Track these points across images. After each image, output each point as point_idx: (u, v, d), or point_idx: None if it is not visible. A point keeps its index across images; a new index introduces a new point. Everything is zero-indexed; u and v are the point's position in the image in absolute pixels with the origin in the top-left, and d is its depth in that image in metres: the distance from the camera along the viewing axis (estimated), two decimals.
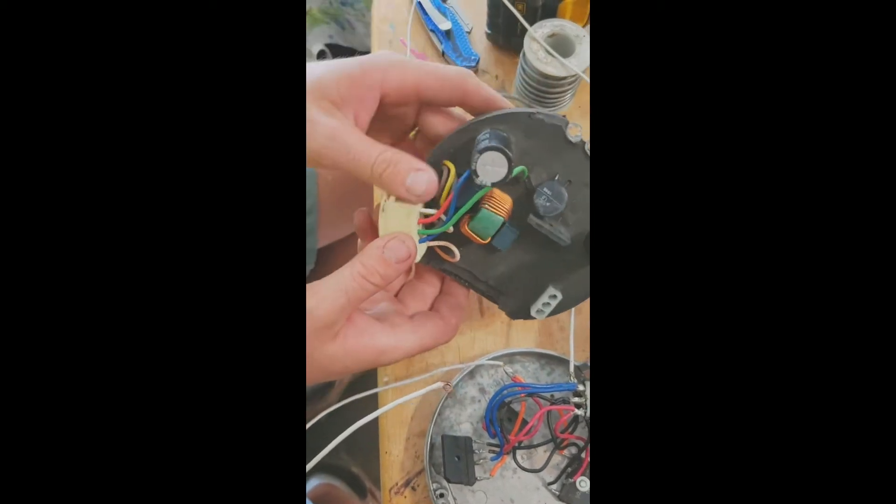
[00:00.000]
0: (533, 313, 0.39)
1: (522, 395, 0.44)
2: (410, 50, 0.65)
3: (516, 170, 0.35)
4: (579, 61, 0.56)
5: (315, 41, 1.14)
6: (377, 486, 0.92)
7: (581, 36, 0.57)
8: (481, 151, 0.34)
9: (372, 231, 0.43)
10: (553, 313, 0.40)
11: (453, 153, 0.36)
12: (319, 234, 0.70)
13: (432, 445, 0.46)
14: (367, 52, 0.45)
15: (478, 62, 0.64)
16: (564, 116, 0.36)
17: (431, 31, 0.66)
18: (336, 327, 0.35)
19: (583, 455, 0.44)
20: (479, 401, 0.48)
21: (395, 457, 0.48)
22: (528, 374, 0.50)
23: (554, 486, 0.45)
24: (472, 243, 0.37)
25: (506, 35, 0.64)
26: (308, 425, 0.38)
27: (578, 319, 0.53)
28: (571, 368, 0.47)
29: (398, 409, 0.47)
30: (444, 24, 0.65)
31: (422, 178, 0.35)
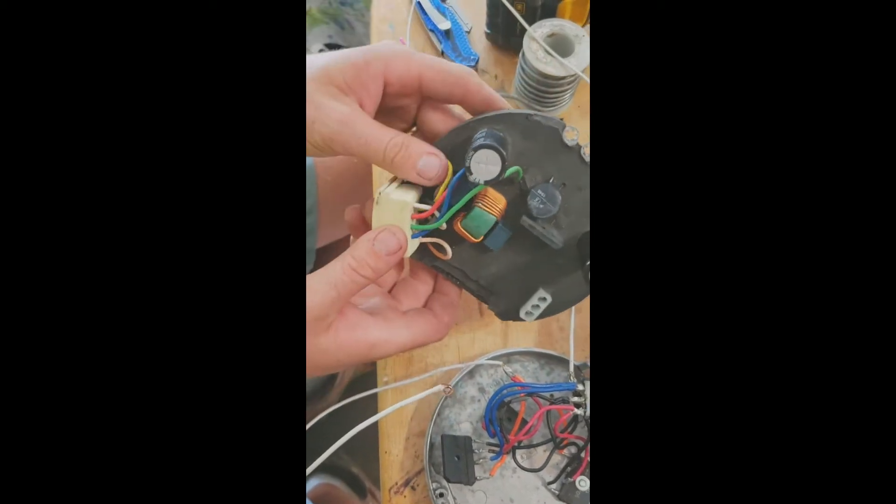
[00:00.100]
0: (522, 315, 0.39)
1: (522, 394, 0.44)
2: None
3: (511, 170, 0.35)
4: (578, 61, 0.56)
5: (314, 41, 1.15)
6: (377, 485, 0.92)
7: (580, 36, 0.57)
8: (475, 149, 0.34)
9: (364, 228, 0.43)
10: (542, 316, 0.40)
11: (450, 151, 0.36)
12: (319, 234, 0.70)
13: (432, 445, 0.46)
14: None
15: (477, 62, 0.64)
16: (562, 119, 0.36)
17: (431, 30, 0.66)
18: (328, 320, 0.35)
19: (582, 454, 0.45)
20: (479, 400, 0.49)
21: (395, 456, 0.48)
22: (527, 373, 0.50)
23: (553, 486, 0.45)
24: (464, 242, 0.37)
25: (505, 35, 0.64)
26: (308, 425, 0.38)
27: (578, 319, 0.53)
28: (571, 368, 0.47)
29: (398, 409, 0.47)
30: (444, 24, 0.65)
31: (433, 161, 0.35)
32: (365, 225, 0.43)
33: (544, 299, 0.38)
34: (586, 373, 0.47)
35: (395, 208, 0.36)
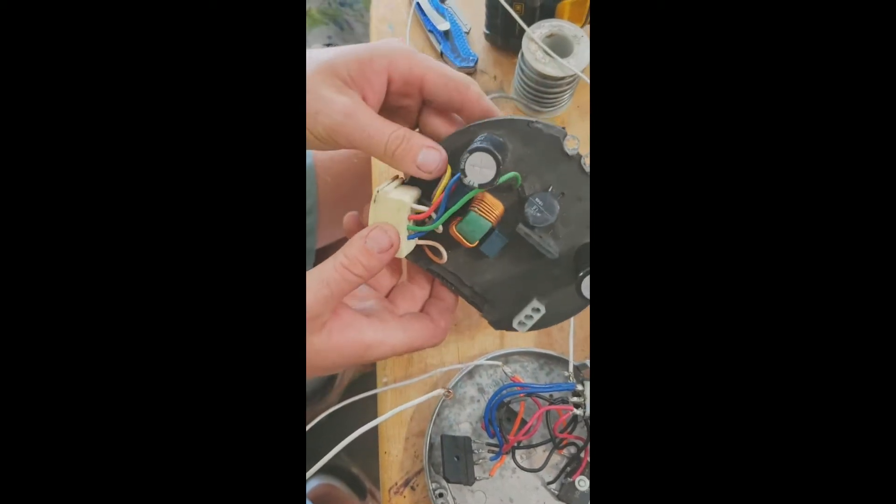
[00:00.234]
0: (515, 325, 0.39)
1: (521, 394, 0.44)
2: None
3: (508, 175, 0.35)
4: (577, 61, 0.56)
5: (314, 42, 1.15)
6: (377, 486, 0.92)
7: (579, 36, 0.57)
8: (471, 151, 0.34)
9: None
10: (535, 327, 0.40)
11: (451, 154, 0.36)
12: (318, 234, 0.70)
13: (431, 445, 0.46)
14: None
15: (476, 63, 0.64)
16: (564, 128, 0.36)
17: (430, 31, 0.66)
18: (321, 319, 0.35)
19: (581, 454, 0.45)
20: (478, 401, 0.49)
21: (395, 457, 0.48)
22: (526, 373, 0.50)
23: (553, 486, 0.45)
24: (461, 247, 0.37)
25: (504, 36, 0.64)
26: (308, 426, 0.38)
27: (577, 319, 0.53)
28: (570, 368, 0.47)
29: (397, 409, 0.47)
30: (443, 25, 0.65)
31: (433, 154, 0.35)
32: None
33: (538, 310, 0.38)
34: (585, 373, 0.47)
35: (392, 207, 0.36)
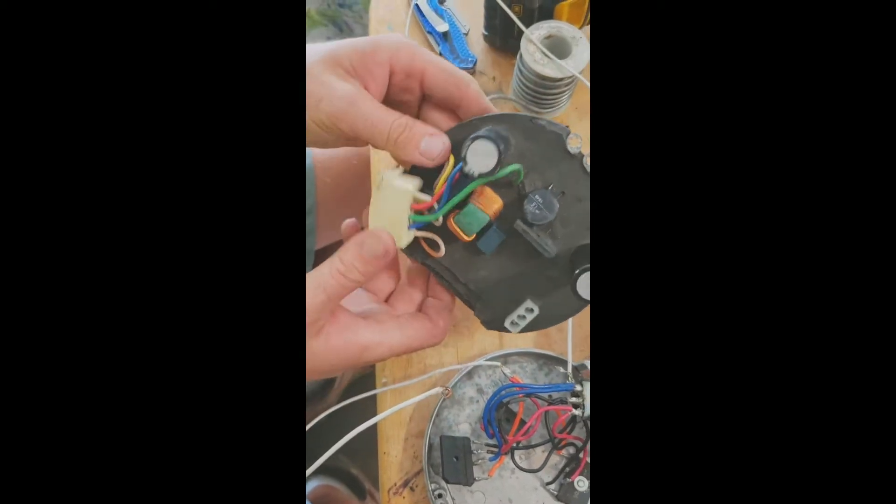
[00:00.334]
0: (507, 324, 0.38)
1: (520, 395, 0.44)
2: None
3: (510, 167, 0.34)
4: (576, 63, 0.56)
5: (313, 43, 1.14)
6: (376, 487, 0.92)
7: (577, 37, 0.57)
8: (473, 139, 0.34)
9: None
10: (528, 328, 0.39)
11: (454, 146, 0.36)
12: (318, 235, 0.70)
13: (431, 446, 0.46)
14: None
15: (475, 64, 0.64)
16: (567, 127, 0.36)
17: (429, 32, 0.66)
18: (318, 324, 0.35)
19: (580, 455, 0.45)
20: (478, 401, 0.49)
21: (394, 457, 0.49)
22: (525, 374, 0.50)
23: (552, 486, 0.45)
24: (457, 242, 0.37)
25: (503, 37, 0.64)
26: (307, 427, 0.38)
27: (576, 320, 0.53)
28: (569, 369, 0.47)
29: (397, 410, 0.48)
30: (442, 26, 0.65)
31: (436, 141, 0.35)
32: None
33: (531, 310, 0.38)
34: (584, 373, 0.47)
35: (395, 195, 0.36)
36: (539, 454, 0.46)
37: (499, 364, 0.49)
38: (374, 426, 0.47)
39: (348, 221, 0.42)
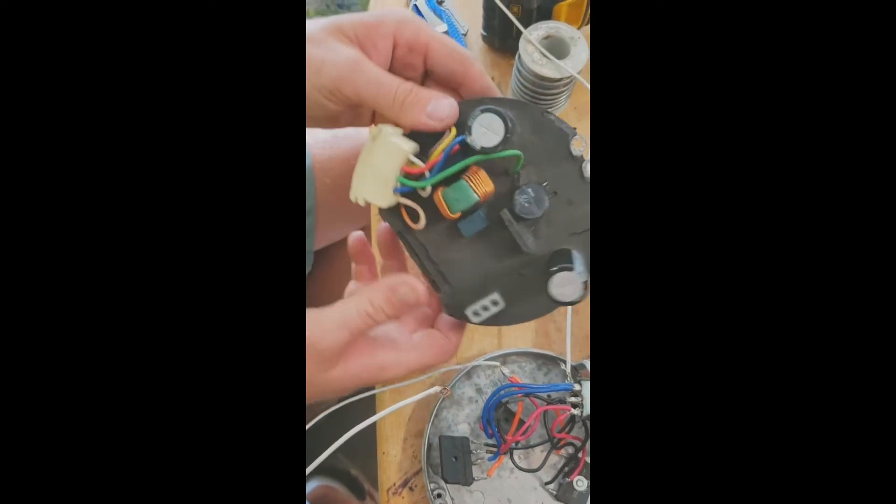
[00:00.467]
0: (468, 313, 0.37)
1: (519, 395, 0.44)
2: None
3: (512, 152, 0.34)
4: (574, 63, 0.56)
5: None
6: (376, 487, 0.92)
7: (576, 38, 0.58)
8: (483, 110, 0.33)
9: (367, 256, 0.42)
10: (489, 322, 0.38)
11: (457, 121, 0.35)
12: (317, 236, 0.70)
13: (430, 446, 0.46)
14: None
15: None
16: (575, 128, 0.35)
17: None
18: (338, 358, 0.35)
19: (579, 455, 0.45)
20: (477, 401, 0.49)
21: (393, 457, 0.49)
22: (524, 374, 0.50)
23: (551, 486, 0.45)
24: (437, 222, 0.36)
25: (501, 37, 0.64)
26: (307, 427, 0.38)
27: (575, 319, 0.53)
28: (568, 368, 0.47)
29: (396, 410, 0.48)
30: (440, 27, 0.65)
31: (445, 103, 0.34)
32: (368, 254, 0.42)
33: (496, 304, 0.37)
34: (583, 373, 0.47)
35: (389, 151, 0.34)
36: (538, 454, 0.46)
37: (498, 364, 0.49)
38: (374, 426, 0.47)
39: (356, 235, 0.42)
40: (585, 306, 0.54)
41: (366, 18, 0.36)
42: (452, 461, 0.45)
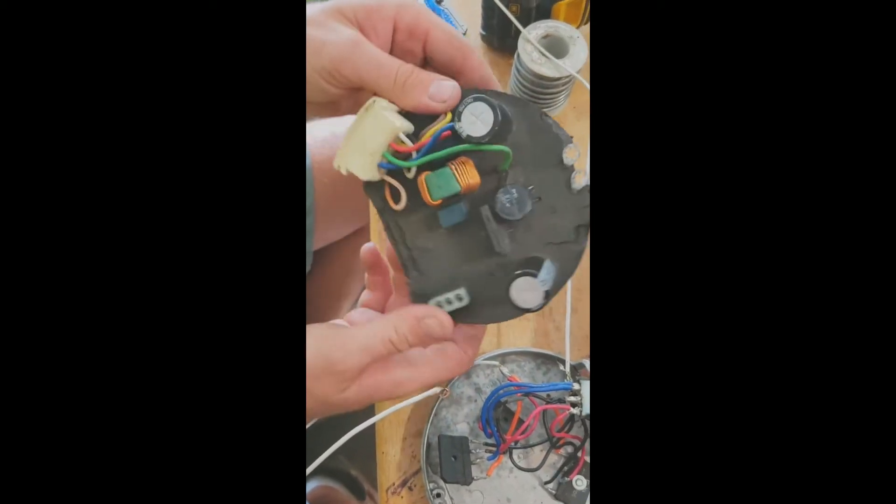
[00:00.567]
0: (431, 303, 0.36)
1: (518, 394, 0.44)
2: None
3: (501, 147, 0.33)
4: (573, 62, 0.56)
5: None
6: (375, 487, 0.92)
7: (575, 37, 0.58)
8: (475, 98, 0.32)
9: (380, 267, 0.41)
10: (451, 316, 0.37)
11: (454, 110, 0.34)
12: (316, 236, 0.70)
13: (429, 445, 0.46)
14: None
15: None
16: (571, 137, 0.35)
17: None
18: (354, 379, 0.35)
19: (578, 454, 0.45)
20: (476, 400, 0.49)
21: (392, 457, 0.49)
22: (523, 373, 0.50)
23: (550, 485, 0.45)
24: (418, 208, 0.35)
25: (500, 36, 0.64)
26: (307, 426, 0.38)
27: (575, 319, 0.53)
28: (567, 368, 0.47)
29: (395, 410, 0.48)
30: None
31: (447, 85, 0.34)
32: (381, 264, 0.42)
33: (461, 299, 0.36)
34: (583, 372, 0.47)
35: (380, 125, 0.33)
36: (537, 453, 0.46)
37: (497, 363, 0.49)
38: (373, 426, 0.47)
39: (367, 247, 0.41)
40: (585, 305, 0.54)
41: (366, 1, 0.35)
42: (451, 461, 0.45)
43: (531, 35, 0.57)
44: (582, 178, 0.34)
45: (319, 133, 0.68)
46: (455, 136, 0.33)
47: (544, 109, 0.61)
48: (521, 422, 0.44)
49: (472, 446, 0.46)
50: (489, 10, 0.62)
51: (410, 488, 0.48)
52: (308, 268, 0.71)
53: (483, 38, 0.66)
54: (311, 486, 0.94)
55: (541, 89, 0.58)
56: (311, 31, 0.34)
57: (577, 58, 0.57)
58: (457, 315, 0.36)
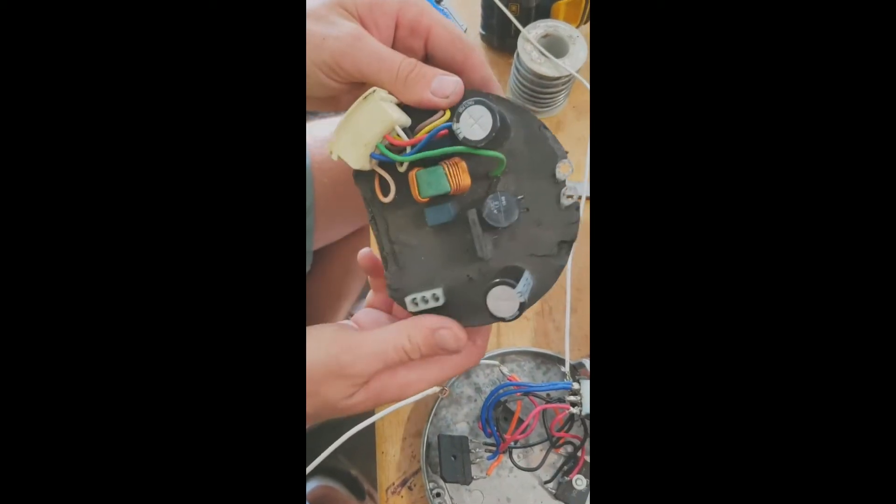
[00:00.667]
0: (407, 300, 0.36)
1: (518, 393, 0.44)
2: None
3: (496, 154, 0.33)
4: (573, 61, 0.56)
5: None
6: (375, 487, 0.93)
7: (574, 36, 0.58)
8: (476, 101, 0.32)
9: (380, 269, 0.41)
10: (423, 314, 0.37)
11: (453, 110, 0.34)
12: (315, 236, 0.70)
13: (429, 445, 0.46)
14: None
15: None
16: (567, 153, 0.34)
17: None
18: (364, 383, 0.35)
19: (578, 453, 0.45)
20: (475, 400, 0.49)
21: (392, 457, 0.49)
22: (523, 373, 0.50)
23: (550, 485, 0.45)
24: (406, 203, 0.35)
25: (500, 36, 0.64)
26: (310, 428, 0.38)
27: (574, 319, 0.53)
28: (567, 367, 0.47)
29: (395, 409, 0.48)
30: None
31: (450, 80, 0.33)
32: (380, 267, 0.42)
33: (437, 299, 0.36)
34: (582, 372, 0.47)
35: (376, 115, 0.33)
36: (537, 453, 0.46)
37: (496, 363, 0.49)
38: (373, 426, 0.47)
39: (363, 253, 0.41)
40: (585, 305, 0.54)
41: None
42: (451, 460, 0.45)
43: (531, 34, 0.57)
44: (571, 195, 0.34)
45: (319, 133, 0.68)
46: (451, 136, 0.33)
47: (544, 109, 0.62)
48: (520, 421, 0.44)
49: (471, 446, 0.46)
50: (489, 9, 0.62)
51: (410, 488, 0.48)
52: (308, 268, 0.71)
53: (482, 37, 0.66)
54: (311, 485, 0.94)
55: (540, 89, 0.58)
56: (311, 25, 0.34)
57: (577, 57, 0.57)
58: (430, 314, 0.36)
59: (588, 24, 0.64)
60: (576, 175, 0.34)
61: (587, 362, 0.47)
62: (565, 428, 0.44)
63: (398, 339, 0.34)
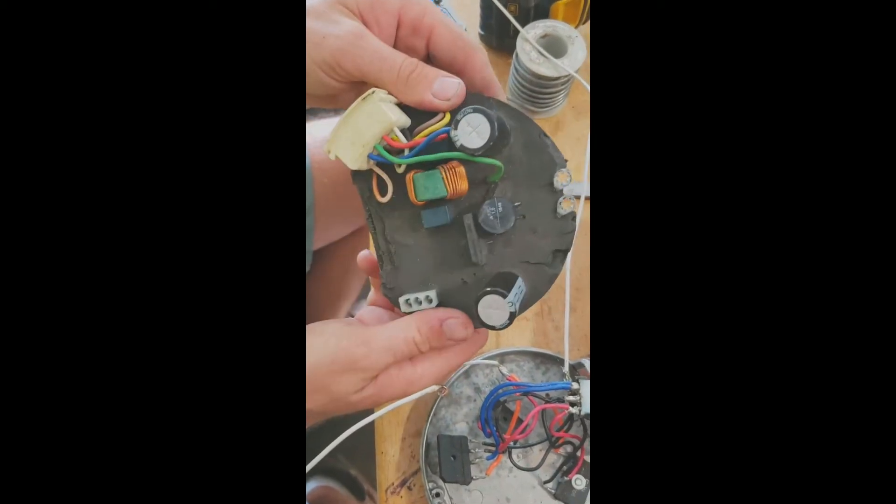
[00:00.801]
0: (400, 300, 0.36)
1: (517, 393, 0.44)
2: None
3: (494, 162, 0.33)
4: (572, 61, 0.56)
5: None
6: (375, 487, 0.93)
7: (573, 37, 0.58)
8: (475, 110, 0.32)
9: (378, 270, 0.42)
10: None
11: (453, 114, 0.34)
12: (315, 236, 0.70)
13: (428, 445, 0.46)
14: None
15: None
16: (566, 161, 0.34)
17: None
18: (374, 378, 0.35)
19: (578, 453, 0.45)
20: (475, 400, 0.49)
21: (392, 457, 0.49)
22: (522, 373, 0.50)
23: (549, 485, 0.45)
24: (403, 204, 0.35)
25: (499, 36, 0.64)
26: (320, 424, 0.38)
27: (573, 318, 0.53)
28: (566, 367, 0.47)
29: (394, 409, 0.48)
30: None
31: (452, 82, 0.33)
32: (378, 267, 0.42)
33: (430, 300, 0.36)
34: (582, 372, 0.47)
35: (375, 116, 0.33)
36: (536, 453, 0.46)
37: (496, 363, 0.49)
38: (372, 426, 0.47)
39: (362, 256, 0.41)
40: (585, 305, 0.54)
41: None
42: (451, 460, 0.45)
43: (529, 35, 0.57)
44: (568, 204, 0.34)
45: (319, 133, 0.68)
46: (450, 140, 0.32)
47: (543, 109, 0.62)
48: (520, 421, 0.44)
49: (471, 446, 0.46)
50: (488, 9, 0.62)
51: (410, 488, 0.48)
52: (308, 268, 0.71)
53: (481, 37, 0.66)
54: (310, 485, 0.94)
55: (539, 89, 0.58)
56: (311, 23, 0.33)
57: (576, 57, 0.57)
58: None
59: (587, 23, 0.65)
60: (575, 175, 0.34)
61: (586, 362, 0.47)
62: (565, 428, 0.44)
63: (408, 331, 0.34)
